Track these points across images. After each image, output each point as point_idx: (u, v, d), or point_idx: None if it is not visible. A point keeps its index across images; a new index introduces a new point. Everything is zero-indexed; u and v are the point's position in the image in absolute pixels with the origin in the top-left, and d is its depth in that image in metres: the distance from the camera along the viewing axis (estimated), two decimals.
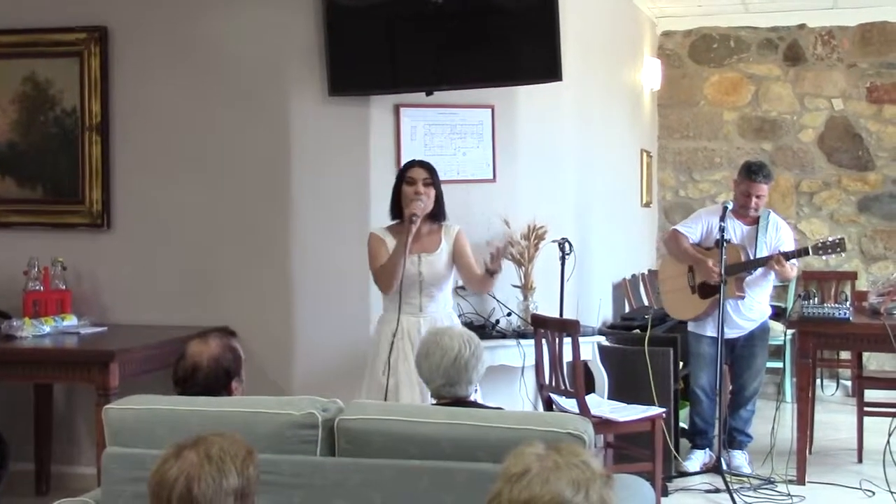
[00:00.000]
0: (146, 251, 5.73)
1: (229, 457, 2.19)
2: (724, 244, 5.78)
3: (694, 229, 6.17)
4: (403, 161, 5.53)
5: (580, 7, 6.41)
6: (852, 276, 8.30)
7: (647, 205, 8.60)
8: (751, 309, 6.05)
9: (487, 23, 5.40)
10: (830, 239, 5.89)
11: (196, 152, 5.66)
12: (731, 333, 5.97)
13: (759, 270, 5.96)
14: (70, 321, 5.37)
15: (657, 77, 8.73)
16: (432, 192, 4.67)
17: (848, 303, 6.08)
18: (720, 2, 8.38)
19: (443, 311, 4.74)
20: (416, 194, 4.61)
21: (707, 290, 6.00)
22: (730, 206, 5.99)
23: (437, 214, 4.73)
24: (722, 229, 5.82)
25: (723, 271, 5.74)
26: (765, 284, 6.09)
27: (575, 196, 6.47)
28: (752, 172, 6.04)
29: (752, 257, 5.97)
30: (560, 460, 1.98)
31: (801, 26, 8.72)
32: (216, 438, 2.22)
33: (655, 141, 9.02)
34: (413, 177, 4.65)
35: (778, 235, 6.08)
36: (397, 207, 4.73)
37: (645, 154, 8.46)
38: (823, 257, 6.21)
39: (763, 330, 6.21)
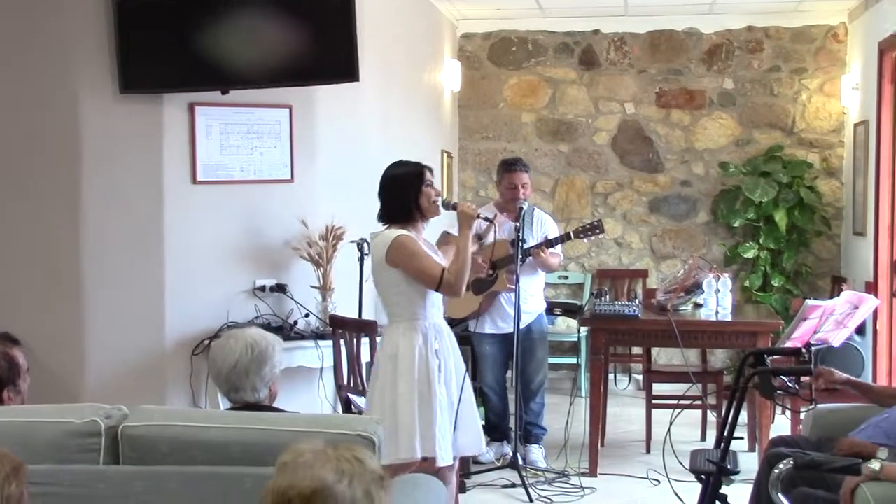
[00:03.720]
0: None
1: None
2: (520, 242, 5.92)
3: None
4: (202, 160, 5.45)
5: (378, 8, 6.44)
6: (643, 275, 8.63)
7: None
8: (525, 301, 6.13)
9: (284, 21, 5.33)
10: (589, 222, 6.24)
11: None
12: (508, 328, 6.13)
13: (529, 261, 6.11)
14: None
15: (457, 78, 8.85)
16: None
17: (637, 300, 6.35)
18: (518, 5, 8.55)
19: None
20: (437, 195, 4.55)
21: (479, 286, 6.17)
22: (525, 207, 6.16)
23: None
24: (518, 229, 5.96)
25: (517, 271, 5.88)
26: (535, 277, 6.27)
27: (374, 196, 6.47)
28: (510, 164, 6.39)
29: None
30: (332, 453, 2.00)
31: (596, 32, 9.00)
32: None
33: (456, 142, 9.14)
34: (432, 179, 4.56)
35: (543, 228, 6.31)
36: (417, 210, 4.49)
37: (446, 155, 8.56)
38: (586, 240, 6.68)
39: (539, 322, 6.40)
